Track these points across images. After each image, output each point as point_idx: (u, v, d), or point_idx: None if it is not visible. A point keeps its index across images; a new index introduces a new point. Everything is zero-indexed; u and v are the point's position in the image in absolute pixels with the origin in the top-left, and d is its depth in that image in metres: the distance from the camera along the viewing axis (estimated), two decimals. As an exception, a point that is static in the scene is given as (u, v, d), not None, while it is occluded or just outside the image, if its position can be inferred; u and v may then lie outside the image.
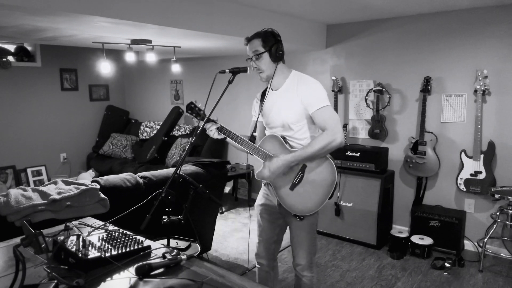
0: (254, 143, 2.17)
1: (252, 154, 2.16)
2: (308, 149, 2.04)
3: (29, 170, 5.62)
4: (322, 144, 2.00)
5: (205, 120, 2.09)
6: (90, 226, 1.79)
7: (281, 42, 2.12)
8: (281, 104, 2.13)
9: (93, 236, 1.63)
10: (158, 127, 5.95)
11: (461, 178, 3.68)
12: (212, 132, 2.12)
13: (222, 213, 4.90)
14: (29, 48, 5.74)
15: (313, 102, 2.04)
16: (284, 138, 2.14)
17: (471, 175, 3.62)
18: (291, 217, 2.18)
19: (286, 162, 2.07)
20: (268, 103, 2.20)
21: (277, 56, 2.09)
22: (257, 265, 2.45)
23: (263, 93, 2.27)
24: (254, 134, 2.35)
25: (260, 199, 2.37)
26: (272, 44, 2.08)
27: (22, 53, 5.63)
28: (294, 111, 2.09)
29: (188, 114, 2.21)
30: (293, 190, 2.12)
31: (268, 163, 2.13)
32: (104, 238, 1.60)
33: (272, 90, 2.20)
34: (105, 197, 2.40)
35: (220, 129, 2.11)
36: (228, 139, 2.15)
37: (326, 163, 2.09)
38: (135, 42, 3.99)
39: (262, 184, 2.34)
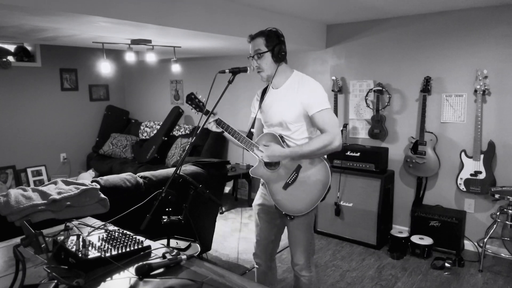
0: (252, 139, 2.17)
1: (248, 150, 2.16)
2: (305, 147, 2.04)
3: (29, 170, 5.62)
4: (321, 144, 2.00)
5: (208, 116, 2.08)
6: (90, 226, 1.79)
7: (284, 42, 2.12)
8: (280, 102, 2.13)
9: (93, 236, 1.63)
10: (158, 127, 5.95)
11: (461, 178, 3.68)
12: (211, 125, 2.12)
13: (222, 213, 4.90)
14: (29, 48, 5.74)
15: (314, 104, 2.04)
16: (281, 137, 2.13)
17: (471, 175, 3.62)
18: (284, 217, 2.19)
19: (283, 153, 2.07)
20: (268, 100, 2.20)
21: (279, 56, 2.09)
22: (255, 265, 2.46)
23: (264, 90, 2.27)
24: (252, 130, 2.35)
25: (258, 199, 2.37)
26: (275, 44, 2.07)
27: (22, 53, 5.63)
28: (293, 111, 2.09)
29: (188, 105, 2.21)
30: (286, 190, 2.12)
31: (265, 148, 2.10)
32: (104, 238, 1.60)
33: (272, 88, 2.20)
34: (105, 197, 2.40)
35: (219, 123, 2.11)
36: (226, 133, 2.15)
37: (321, 164, 2.09)
38: (135, 42, 3.99)
39: (260, 184, 2.34)
